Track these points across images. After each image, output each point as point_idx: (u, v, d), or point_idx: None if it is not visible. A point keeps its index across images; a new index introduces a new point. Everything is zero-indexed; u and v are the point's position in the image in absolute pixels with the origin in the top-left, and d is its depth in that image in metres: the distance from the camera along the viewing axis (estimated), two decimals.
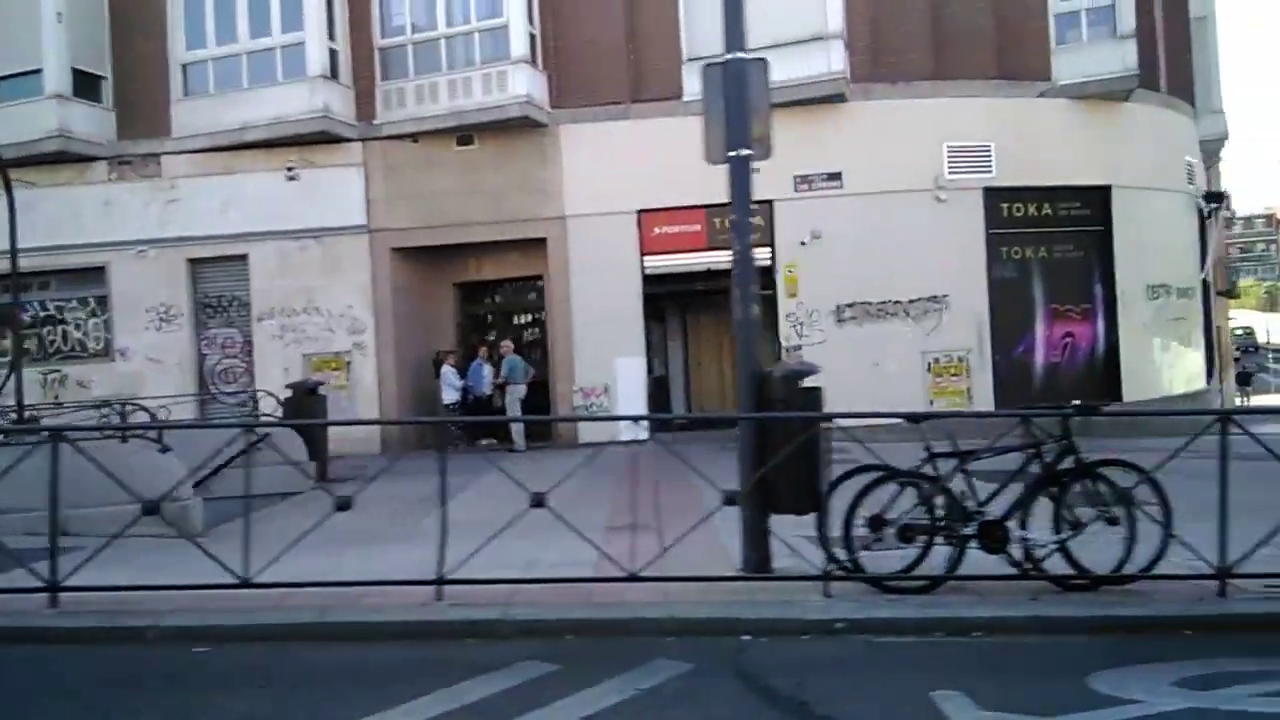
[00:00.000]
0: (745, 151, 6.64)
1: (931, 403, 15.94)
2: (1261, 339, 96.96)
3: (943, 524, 5.68)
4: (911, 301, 16.00)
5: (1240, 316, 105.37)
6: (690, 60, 15.93)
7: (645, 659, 4.85)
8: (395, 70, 16.29)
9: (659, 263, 16.36)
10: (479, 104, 15.60)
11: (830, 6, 15.38)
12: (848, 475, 5.91)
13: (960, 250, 16.07)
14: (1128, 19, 16.30)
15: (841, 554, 5.75)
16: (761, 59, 7.30)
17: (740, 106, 6.62)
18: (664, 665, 4.77)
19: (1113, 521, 5.65)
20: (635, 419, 14.12)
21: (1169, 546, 5.59)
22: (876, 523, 5.76)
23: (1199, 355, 19.32)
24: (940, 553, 5.75)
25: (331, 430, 12.99)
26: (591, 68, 16.18)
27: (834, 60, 15.29)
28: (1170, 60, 19.28)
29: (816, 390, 6.39)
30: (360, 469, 10.78)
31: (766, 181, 15.77)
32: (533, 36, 16.01)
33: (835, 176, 15.91)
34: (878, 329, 15.97)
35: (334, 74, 16.04)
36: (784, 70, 15.33)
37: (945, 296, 16.05)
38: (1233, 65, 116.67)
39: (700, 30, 15.90)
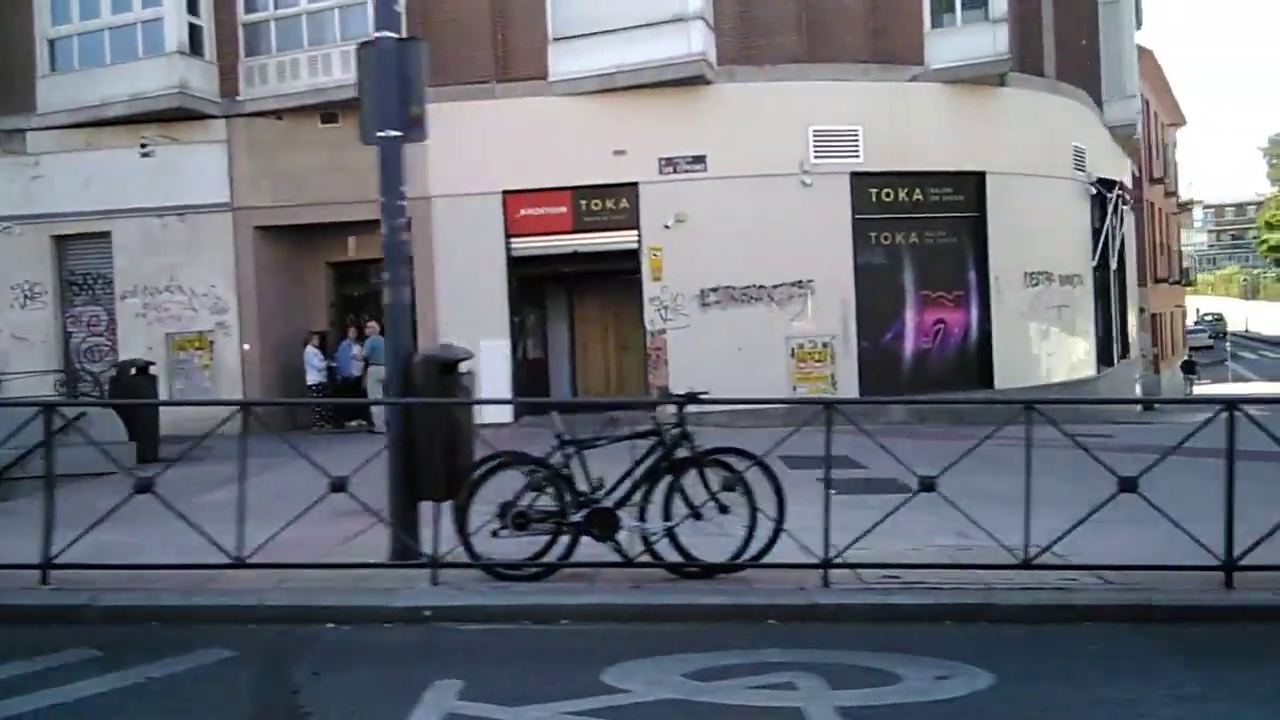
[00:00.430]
0: (394, 133, 6.49)
1: (795, 388, 15.93)
2: (1239, 326, 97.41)
3: (555, 511, 5.66)
4: (776, 286, 15.93)
5: (1218, 304, 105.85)
6: (557, 40, 15.82)
7: (196, 647, 4.83)
8: (259, 46, 16.14)
9: (526, 245, 16.27)
10: (338, 81, 15.44)
11: None
12: (483, 462, 5.89)
13: (826, 235, 15.99)
14: (1000, 3, 16.16)
15: (477, 542, 5.72)
16: (418, 40, 7.19)
17: (392, 87, 6.48)
18: (205, 654, 4.75)
19: (724, 509, 5.64)
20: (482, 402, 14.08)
21: (779, 535, 5.59)
22: (505, 510, 5.73)
23: (1087, 343, 19.27)
24: (568, 540, 5.74)
25: (187, 411, 12.91)
26: (457, 46, 15.98)
27: (694, 42, 15.13)
28: (1061, 45, 19.18)
29: (456, 376, 6.33)
30: (208, 450, 10.68)
31: (631, 164, 16.04)
32: (396, 14, 15.78)
33: (700, 160, 15.79)
34: (742, 313, 15.90)
35: (196, 50, 15.88)
36: (644, 52, 15.39)
37: (810, 282, 15.99)
38: (1212, 55, 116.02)
39: (567, 10, 15.81)
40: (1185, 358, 41.07)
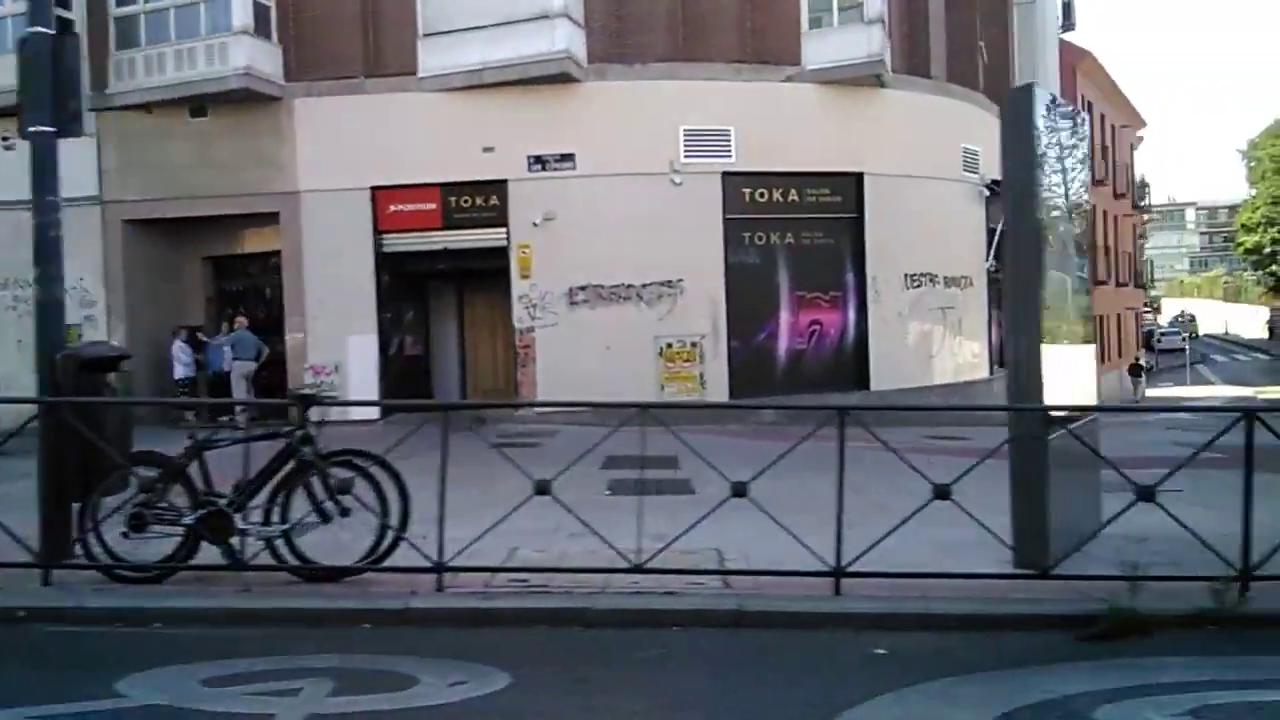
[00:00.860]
0: (47, 128, 6.45)
1: (663, 388, 15.90)
2: (1219, 329, 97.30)
3: (171, 512, 5.64)
4: (645, 285, 15.91)
5: (1201, 306, 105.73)
6: (426, 36, 15.78)
7: None
8: (130, 40, 16.08)
9: (397, 241, 16.25)
10: (202, 75, 15.41)
11: None
12: (117, 465, 5.86)
13: (697, 235, 15.96)
14: (875, 4, 16.11)
15: (95, 543, 5.69)
16: (73, 34, 7.10)
17: (47, 82, 6.44)
18: None
19: (345, 512, 5.62)
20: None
21: (398, 539, 5.58)
22: (126, 511, 5.70)
23: (976, 345, 19.23)
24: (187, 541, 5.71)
25: None
26: (327, 41, 15.98)
27: (557, 40, 15.09)
28: (956, 47, 19.15)
29: (99, 375, 6.30)
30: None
31: (500, 161, 15.99)
32: (265, 8, 15.78)
33: (568, 158, 15.75)
34: (610, 312, 15.87)
35: None
36: (511, 49, 15.33)
37: (680, 281, 15.96)
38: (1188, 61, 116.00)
39: (437, 5, 15.78)
40: (1134, 359, 41.06)
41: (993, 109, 20.12)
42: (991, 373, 19.85)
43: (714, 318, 16.09)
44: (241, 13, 15.27)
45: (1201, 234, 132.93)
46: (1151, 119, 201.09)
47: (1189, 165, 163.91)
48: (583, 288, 15.85)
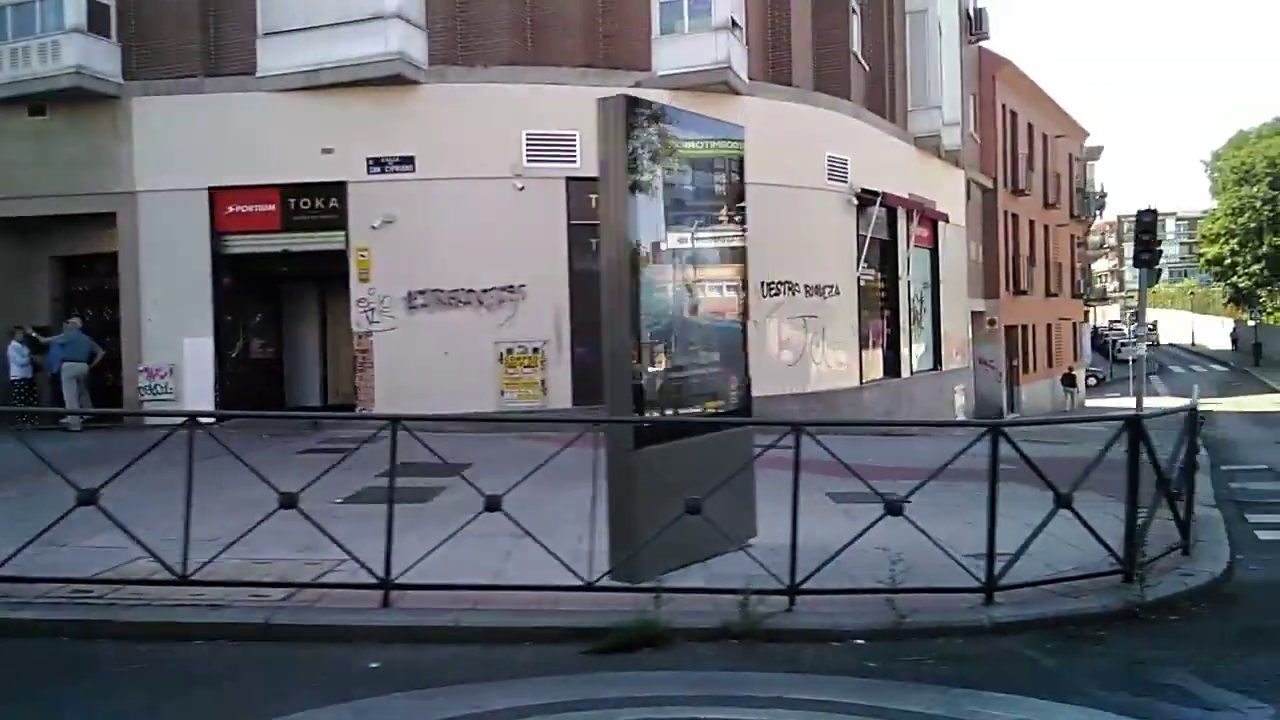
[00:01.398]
0: None
1: (503, 394, 15.77)
2: (1185, 339, 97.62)
3: None
4: (486, 290, 15.76)
5: (1172, 317, 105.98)
6: (266, 35, 15.64)
7: None
8: None
9: (236, 243, 16.08)
10: (35, 74, 15.24)
11: None
12: None
13: (540, 240, 15.83)
14: (721, 11, 16.03)
15: None
16: None
17: None
18: None
19: None
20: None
21: None
22: None
23: (843, 354, 19.12)
24: None
25: None
26: (168, 39, 15.84)
27: (391, 41, 14.95)
28: (824, 55, 19.08)
29: None
30: None
31: (339, 163, 15.80)
32: (104, 6, 15.62)
33: (408, 161, 15.61)
34: (450, 317, 15.72)
35: None
36: (347, 49, 15.19)
37: (522, 286, 15.83)
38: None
39: (278, 4, 15.65)
40: (1067, 370, 41.09)
41: (868, 118, 20.16)
42: (862, 382, 19.79)
43: (557, 324, 15.95)
44: (75, 11, 15.10)
45: (1181, 244, 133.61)
46: (1133, 130, 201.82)
47: (1173, 176, 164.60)
48: (422, 292, 15.70)
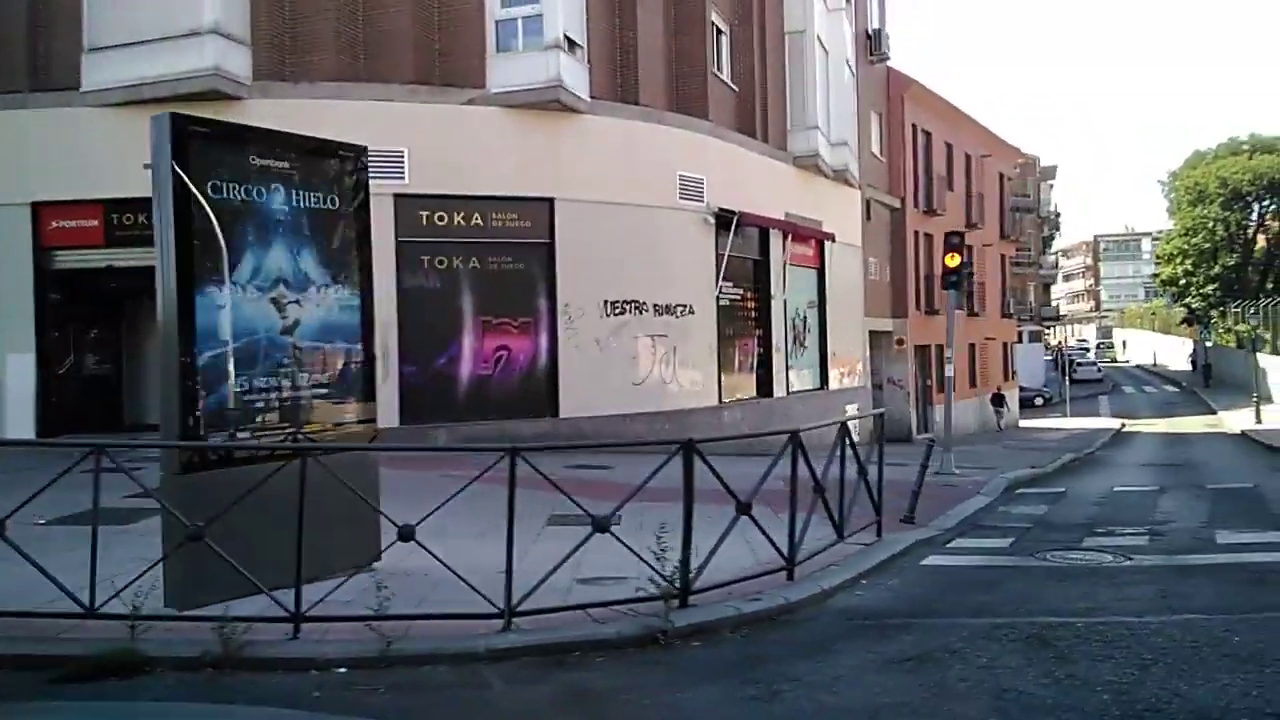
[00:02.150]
0: None
1: None
2: (1146, 359, 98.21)
3: None
4: None
5: (1139, 337, 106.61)
6: (91, 50, 15.54)
7: None
8: None
9: (64, 258, 15.95)
10: None
11: (207, 3, 15.01)
12: None
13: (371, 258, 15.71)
14: (553, 30, 16.04)
15: None
16: None
17: None
18: None
19: None
20: None
21: None
22: None
23: (698, 374, 19.04)
24: None
25: None
26: None
27: (207, 56, 14.89)
28: (680, 74, 19.11)
29: None
30: None
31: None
32: None
33: None
34: None
35: None
36: (167, 65, 15.09)
37: None
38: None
39: (103, 20, 15.55)
40: (995, 391, 41.20)
41: (732, 137, 20.19)
42: (721, 401, 19.73)
43: (384, 341, 15.76)
44: None
45: (1156, 263, 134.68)
46: (1111, 151, 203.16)
47: (1147, 197, 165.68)
48: None
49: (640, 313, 17.82)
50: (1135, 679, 4.98)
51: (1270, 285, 69.02)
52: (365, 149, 7.82)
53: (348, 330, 7.30)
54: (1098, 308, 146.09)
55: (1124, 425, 43.30)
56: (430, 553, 5.76)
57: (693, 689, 5.03)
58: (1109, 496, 14.25)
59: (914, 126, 32.40)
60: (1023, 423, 45.37)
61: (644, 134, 17.91)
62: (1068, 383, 52.32)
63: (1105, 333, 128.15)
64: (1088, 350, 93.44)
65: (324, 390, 7.03)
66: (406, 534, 6.00)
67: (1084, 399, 61.88)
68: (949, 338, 16.84)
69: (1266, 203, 72.44)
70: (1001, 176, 43.56)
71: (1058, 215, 74.68)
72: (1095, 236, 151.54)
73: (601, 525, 6.06)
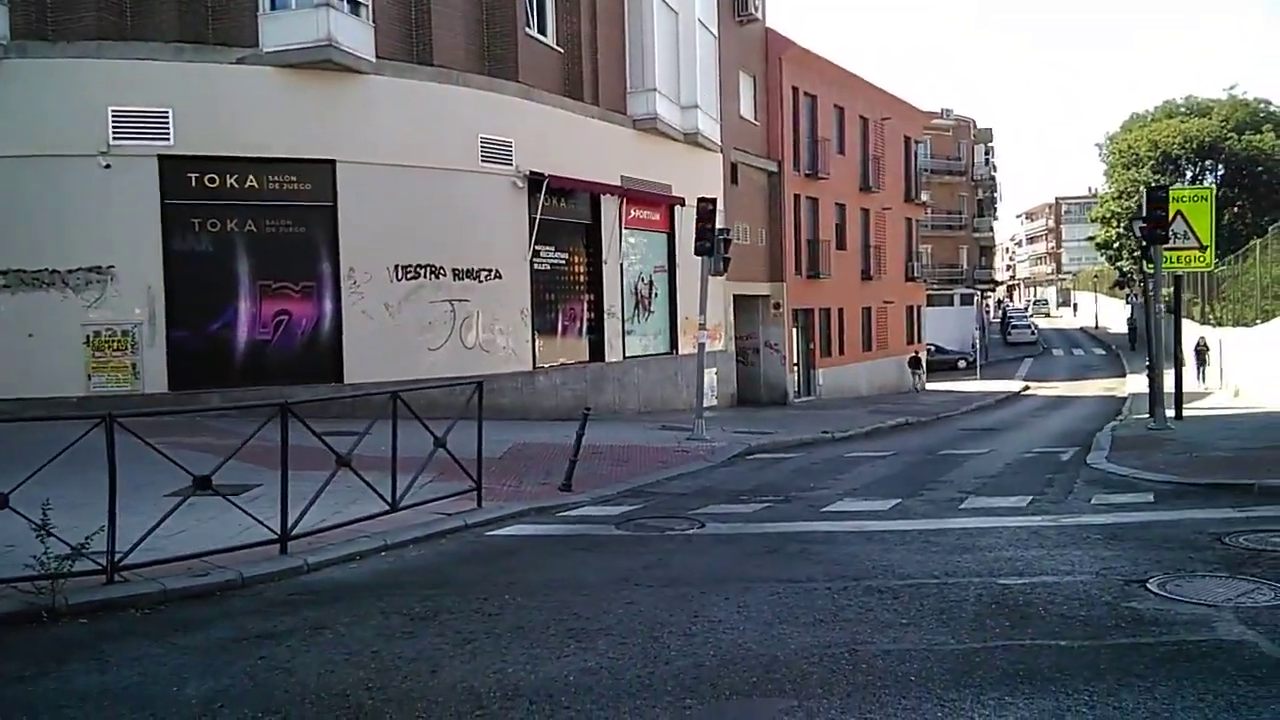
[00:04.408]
0: None
1: (90, 378, 15.42)
2: (1090, 322, 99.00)
3: None
4: (71, 271, 15.36)
5: (1087, 300, 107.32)
6: None
7: None
8: None
9: None
10: None
11: None
12: None
13: (130, 220, 15.45)
14: None
15: None
16: None
17: None
18: None
19: None
20: None
21: None
22: None
23: (508, 339, 18.86)
24: None
25: None
26: None
27: None
28: (491, 35, 18.77)
29: None
30: None
31: None
32: None
33: None
34: (33, 298, 15.29)
35: None
36: None
37: (111, 268, 15.45)
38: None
39: None
40: (913, 354, 41.57)
41: (548, 99, 19.89)
42: (535, 367, 19.63)
43: (151, 306, 15.61)
44: None
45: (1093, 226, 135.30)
46: (1077, 112, 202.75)
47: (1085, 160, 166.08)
48: (4, 273, 15.27)
49: (437, 276, 17.64)
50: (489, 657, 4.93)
51: None
52: None
53: None
54: (1059, 270, 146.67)
55: (1026, 388, 43.83)
56: None
57: None
58: (829, 462, 13.93)
59: (794, 89, 32.11)
60: (930, 385, 45.77)
61: (440, 96, 17.60)
62: (978, 346, 52.65)
63: (1064, 296, 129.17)
64: (1026, 314, 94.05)
65: None
66: None
67: (1010, 361, 62.46)
68: (702, 302, 16.77)
69: (1198, 166, 72.79)
70: (908, 140, 43.35)
71: (992, 179, 74.66)
72: (1057, 199, 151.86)
73: None
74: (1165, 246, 16.73)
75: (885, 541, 7.36)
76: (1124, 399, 32.79)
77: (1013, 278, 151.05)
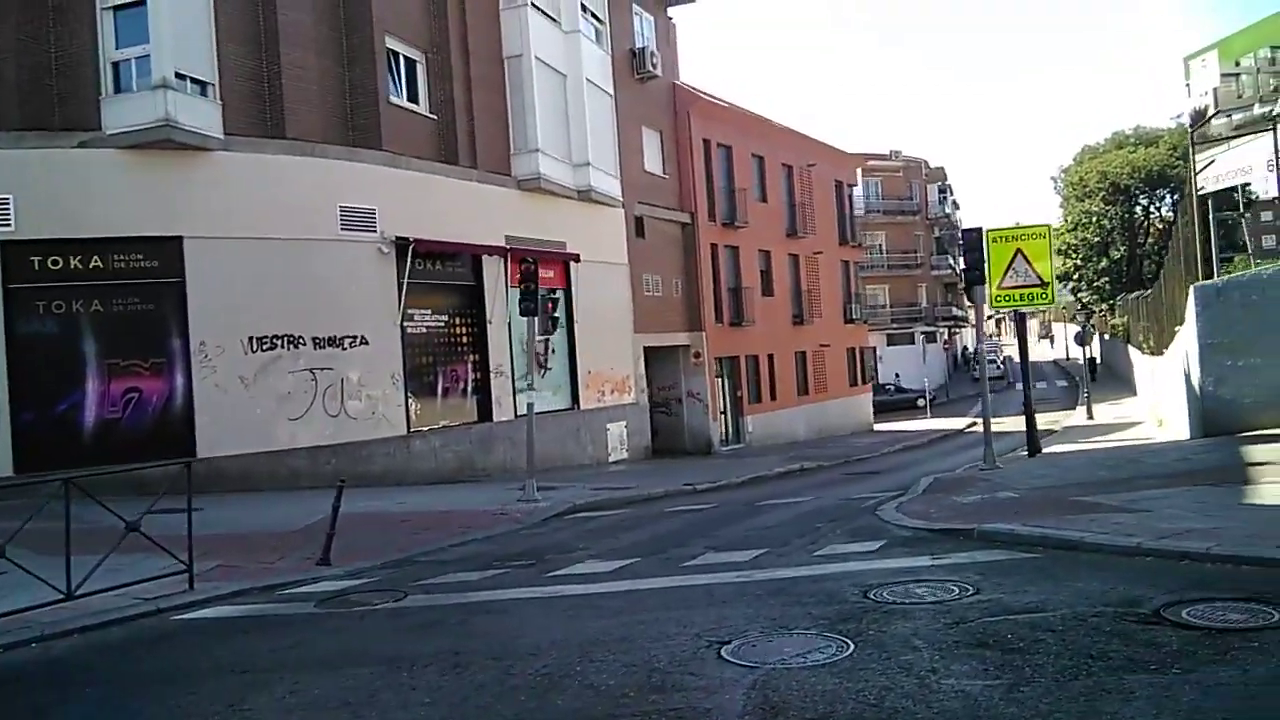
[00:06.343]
0: None
1: None
2: (1063, 354, 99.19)
3: None
4: None
5: (1060, 330, 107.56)
6: None
7: None
8: None
9: None
10: None
11: None
12: None
13: None
14: (161, 68, 15.92)
15: None
16: None
17: None
18: None
19: None
20: None
21: None
22: None
23: (378, 405, 18.86)
24: None
25: None
26: None
27: None
28: (354, 105, 19.07)
29: None
30: None
31: None
32: None
33: None
34: None
35: None
36: None
37: None
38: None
39: None
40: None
41: (414, 165, 20.13)
42: (410, 430, 19.60)
43: None
44: None
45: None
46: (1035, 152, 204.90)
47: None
48: None
49: (296, 346, 17.69)
50: None
51: (1149, 276, 69.99)
52: None
53: None
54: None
55: (971, 425, 43.77)
56: None
57: None
58: (634, 520, 13.41)
59: (705, 141, 32.50)
60: (882, 426, 45.79)
61: (294, 168, 17.80)
62: (926, 384, 52.85)
63: (1046, 328, 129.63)
64: (994, 348, 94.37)
65: None
66: None
67: (970, 398, 62.38)
68: (529, 359, 16.87)
69: (1149, 196, 73.63)
70: (840, 184, 43.81)
71: (948, 216, 75.36)
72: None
73: None
74: (1009, 285, 16.88)
75: (551, 609, 7.19)
76: (1051, 432, 32.73)
77: (997, 311, 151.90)
